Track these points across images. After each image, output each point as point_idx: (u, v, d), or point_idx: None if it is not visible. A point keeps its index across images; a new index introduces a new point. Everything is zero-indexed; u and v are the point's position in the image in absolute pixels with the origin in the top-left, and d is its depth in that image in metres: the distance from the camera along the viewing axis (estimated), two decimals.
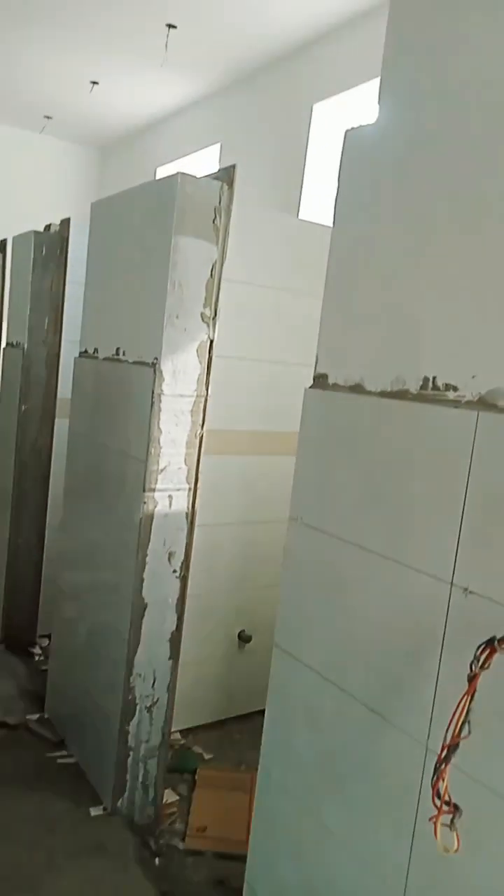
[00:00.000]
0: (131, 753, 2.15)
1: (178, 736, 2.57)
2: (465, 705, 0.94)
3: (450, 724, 0.95)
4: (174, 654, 2.16)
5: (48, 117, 5.89)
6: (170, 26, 3.97)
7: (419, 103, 1.26)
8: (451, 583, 1.12)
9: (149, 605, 2.12)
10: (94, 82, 4.99)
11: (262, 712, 1.56)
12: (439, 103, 1.21)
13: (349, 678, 1.34)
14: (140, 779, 2.19)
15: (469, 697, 0.94)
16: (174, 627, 2.15)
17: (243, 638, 2.71)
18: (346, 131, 1.41)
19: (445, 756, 0.92)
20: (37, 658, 3.25)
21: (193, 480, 2.16)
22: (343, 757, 1.33)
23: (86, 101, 5.34)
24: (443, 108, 1.21)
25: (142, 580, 2.11)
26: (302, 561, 1.49)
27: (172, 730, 2.29)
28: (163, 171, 5.62)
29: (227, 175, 2.10)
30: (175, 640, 2.16)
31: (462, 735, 0.93)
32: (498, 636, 0.94)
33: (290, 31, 3.89)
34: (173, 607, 2.15)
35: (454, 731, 0.94)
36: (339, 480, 1.39)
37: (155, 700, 2.16)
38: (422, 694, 1.16)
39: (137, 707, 2.14)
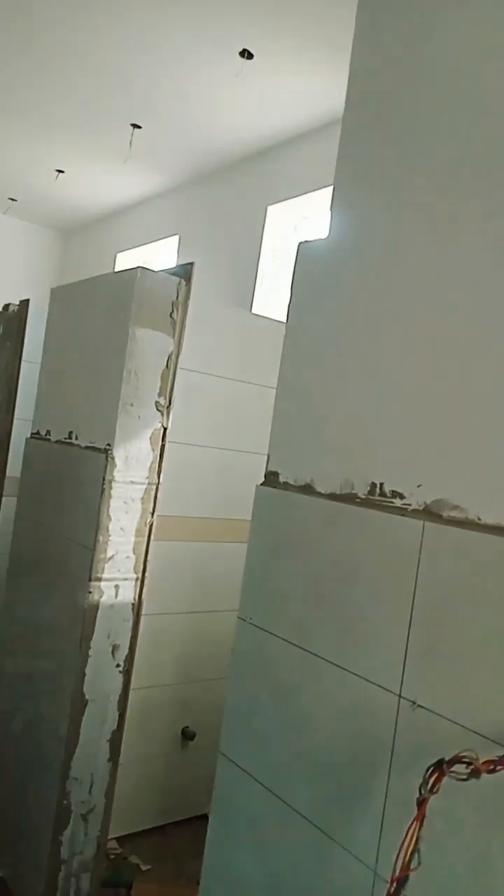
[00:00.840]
0: (63, 867, 1.98)
1: (113, 844, 2.39)
2: (414, 832, 0.90)
3: (398, 853, 0.90)
4: (114, 755, 2.04)
5: (13, 199, 6.02)
6: (134, 126, 4.17)
7: (366, 225, 1.33)
8: (400, 695, 1.09)
9: (90, 702, 2.01)
10: (60, 171, 5.15)
11: (205, 817, 1.47)
12: (385, 226, 1.28)
13: (296, 792, 1.27)
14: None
15: (418, 824, 0.90)
16: (115, 726, 2.04)
17: (187, 735, 2.58)
18: (299, 244, 1.47)
19: (394, 891, 0.87)
20: None
21: (141, 570, 2.11)
22: (291, 881, 1.25)
23: (50, 187, 5.50)
24: (388, 231, 1.27)
25: (83, 675, 2.00)
26: (249, 662, 1.44)
27: (108, 838, 2.13)
28: (122, 258, 5.77)
29: (185, 272, 2.16)
30: (115, 740, 2.04)
31: (412, 867, 0.89)
32: (447, 758, 0.91)
33: (248, 137, 4.13)
34: (115, 704, 2.04)
35: (403, 861, 0.89)
36: (288, 581, 1.37)
37: (91, 807, 2.02)
38: (370, 813, 1.11)
39: (72, 815, 1.99)
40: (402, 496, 1.16)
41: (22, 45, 3.42)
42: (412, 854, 0.89)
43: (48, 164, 4.96)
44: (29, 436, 2.67)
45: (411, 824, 0.90)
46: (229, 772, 1.43)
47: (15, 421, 3.23)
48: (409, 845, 0.89)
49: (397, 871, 0.88)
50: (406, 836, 0.90)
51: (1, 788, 2.35)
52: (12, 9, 3.11)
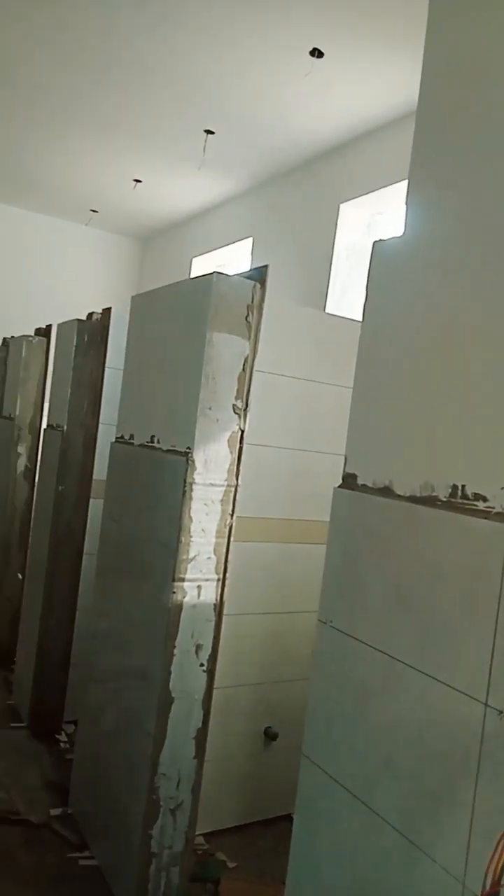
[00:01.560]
0: (154, 860, 2.04)
1: (200, 840, 2.44)
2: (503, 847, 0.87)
3: (489, 866, 0.88)
4: (199, 753, 2.08)
5: (94, 211, 6.23)
6: (208, 132, 4.23)
7: (443, 221, 1.29)
8: (486, 703, 1.06)
9: (175, 700, 2.05)
10: (138, 180, 5.29)
11: (289, 817, 1.48)
12: (463, 222, 1.24)
13: (380, 798, 1.26)
14: (162, 888, 2.06)
15: None
16: (200, 724, 2.08)
17: (269, 735, 2.59)
18: (374, 243, 1.45)
19: None
20: (62, 745, 3.16)
21: (222, 571, 2.14)
22: (376, 888, 1.24)
23: (129, 197, 5.65)
24: (467, 227, 1.23)
25: (169, 673, 2.05)
26: (331, 667, 1.43)
27: (195, 833, 2.18)
28: (198, 262, 5.86)
29: (259, 275, 2.17)
30: (201, 738, 2.08)
31: (503, 882, 0.86)
32: None
33: (319, 136, 4.11)
34: (200, 703, 2.08)
35: (494, 875, 0.87)
36: (369, 584, 1.35)
37: (179, 802, 2.06)
38: (457, 823, 1.08)
39: (161, 809, 2.04)
40: (484, 499, 1.12)
41: (100, 63, 3.53)
42: (503, 870, 0.86)
43: (126, 174, 5.11)
44: (114, 440, 2.76)
45: (501, 838, 0.87)
46: (312, 774, 1.43)
47: (100, 425, 3.35)
48: (499, 859, 0.86)
49: (488, 885, 0.86)
50: (496, 850, 0.87)
51: (96, 780, 2.44)
52: (89, 29, 3.22)
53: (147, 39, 3.29)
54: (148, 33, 3.24)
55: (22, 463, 4.24)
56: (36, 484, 4.10)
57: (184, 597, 2.08)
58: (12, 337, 4.78)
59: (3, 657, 4.14)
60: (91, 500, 3.34)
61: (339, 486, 1.49)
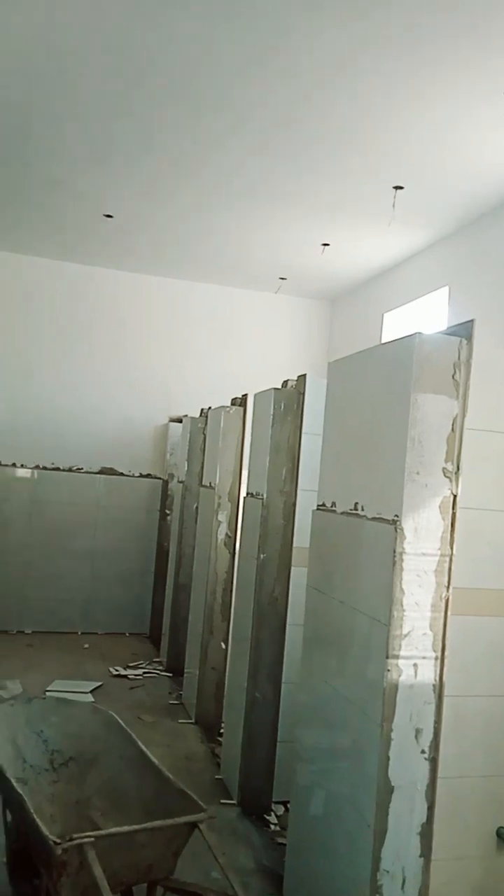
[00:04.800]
0: None
1: None
2: None
3: None
4: (426, 850, 1.98)
5: (283, 279, 6.59)
6: (397, 188, 4.33)
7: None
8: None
9: (395, 789, 1.99)
10: (325, 244, 5.53)
11: None
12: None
13: None
14: None
15: None
16: (424, 818, 1.99)
17: (503, 836, 2.38)
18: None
19: None
20: (272, 827, 3.18)
21: (440, 648, 2.07)
22: None
23: (317, 261, 5.92)
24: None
25: (387, 759, 2.01)
26: None
27: None
28: (390, 317, 5.92)
29: (465, 330, 2.16)
30: (426, 833, 1.98)
31: None
32: None
33: None
34: (423, 794, 2.00)
35: None
36: None
37: None
38: None
39: None
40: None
41: (284, 138, 3.83)
42: None
43: (315, 240, 5.38)
44: (315, 508, 2.84)
45: None
46: None
47: (299, 492, 3.46)
48: None
49: None
50: None
51: (310, 870, 2.42)
52: (277, 107, 3.53)
53: (339, 107, 3.52)
54: (337, 100, 3.46)
55: (222, 531, 4.48)
56: (237, 552, 4.31)
57: (399, 675, 2.04)
58: (210, 408, 5.16)
59: (209, 729, 4.31)
60: (293, 569, 3.43)
61: None
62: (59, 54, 3.27)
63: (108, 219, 5.36)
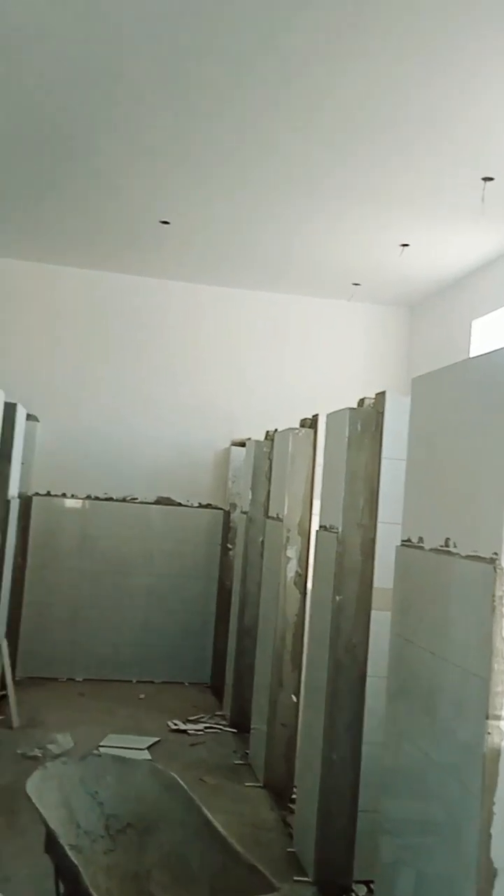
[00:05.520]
0: None
1: None
2: None
3: None
4: None
5: (356, 284, 6.60)
6: (486, 179, 4.29)
7: None
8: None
9: (499, 873, 1.92)
10: (404, 245, 5.52)
11: None
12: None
13: None
14: None
15: None
16: None
17: None
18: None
19: None
20: None
21: None
22: None
23: (394, 263, 5.91)
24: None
25: (489, 836, 1.94)
26: None
27: None
28: (479, 324, 5.82)
29: None
30: None
31: None
32: None
33: None
34: None
35: None
36: None
37: None
38: None
39: None
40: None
41: (358, 133, 3.85)
42: None
43: (392, 240, 5.37)
44: (399, 543, 2.80)
45: None
46: None
47: (379, 525, 3.42)
48: None
49: None
50: None
51: None
52: (348, 105, 3.56)
53: (421, 99, 3.53)
54: (422, 93, 3.47)
55: (292, 568, 4.47)
56: (308, 592, 4.29)
57: (502, 740, 1.98)
58: (276, 430, 5.18)
59: (279, 793, 4.27)
60: (373, 612, 3.38)
61: None
62: (110, 54, 3.40)
63: (165, 225, 5.49)
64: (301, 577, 4.43)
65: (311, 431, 4.55)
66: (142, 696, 6.12)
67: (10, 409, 4.84)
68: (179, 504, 6.82)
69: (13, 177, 4.94)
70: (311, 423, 4.60)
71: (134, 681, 6.48)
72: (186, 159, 4.46)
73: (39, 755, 4.49)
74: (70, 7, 3.06)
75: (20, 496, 5.83)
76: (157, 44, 3.30)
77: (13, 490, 5.23)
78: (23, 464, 5.76)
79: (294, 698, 4.37)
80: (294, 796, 4.08)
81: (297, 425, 4.69)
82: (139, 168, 4.62)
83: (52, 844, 2.41)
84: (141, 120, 4.01)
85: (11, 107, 3.96)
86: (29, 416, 5.97)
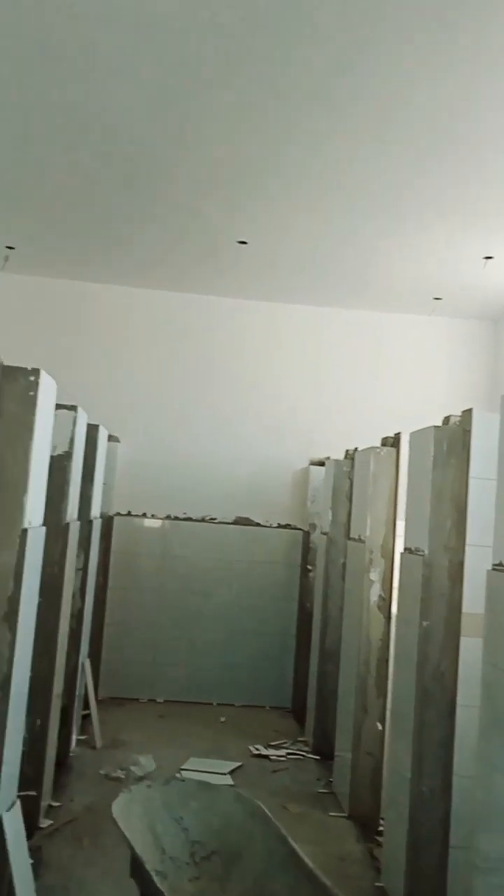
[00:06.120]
0: None
1: None
2: None
3: None
4: None
5: (437, 299, 6.51)
6: None
7: None
8: None
9: None
10: (488, 257, 5.42)
11: None
12: None
13: None
14: None
15: None
16: None
17: None
18: None
19: None
20: None
21: None
22: None
23: (478, 276, 5.81)
24: None
25: None
26: None
27: None
28: None
29: None
30: None
31: None
32: None
33: None
34: None
35: None
36: None
37: None
38: None
39: None
40: None
41: (437, 135, 3.82)
42: None
43: (475, 253, 5.28)
44: (490, 567, 2.72)
45: None
46: None
47: (468, 548, 3.34)
48: None
49: None
50: None
51: None
52: (427, 96, 3.54)
53: (492, 107, 3.47)
54: (492, 104, 3.42)
55: (375, 592, 4.41)
56: (393, 617, 4.22)
57: None
58: (356, 449, 5.14)
59: (365, 825, 4.19)
60: (463, 639, 3.30)
61: None
62: (188, 80, 3.48)
63: (242, 245, 5.56)
64: (385, 601, 4.37)
65: (393, 450, 4.49)
66: (222, 719, 6.13)
67: (93, 429, 4.96)
68: (258, 524, 6.84)
69: (92, 204, 5.11)
70: (393, 442, 4.55)
71: (214, 703, 6.49)
72: (263, 179, 4.51)
73: (122, 777, 4.55)
74: (150, 38, 3.16)
75: (102, 516, 5.95)
76: (233, 69, 3.36)
77: (95, 510, 5.35)
78: (104, 484, 5.88)
79: (380, 726, 4.29)
80: (381, 828, 4.00)
81: (378, 444, 4.64)
82: (216, 190, 4.70)
83: (137, 870, 2.43)
84: (218, 142, 4.09)
85: (94, 136, 4.10)
86: (110, 437, 6.11)
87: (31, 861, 2.98)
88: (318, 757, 5.30)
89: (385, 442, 4.63)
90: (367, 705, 4.34)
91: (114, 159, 4.38)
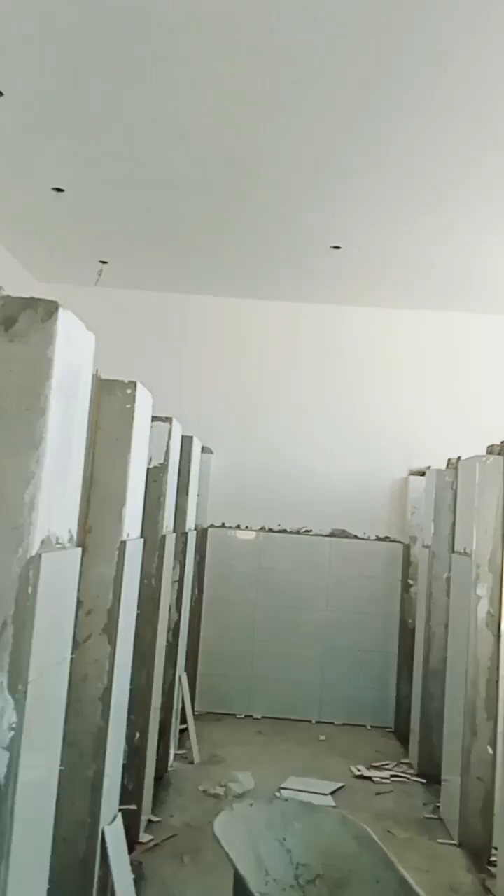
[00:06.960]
0: None
1: None
2: None
3: None
4: None
5: None
6: None
7: None
8: None
9: None
10: None
11: None
12: None
13: None
14: None
15: None
16: None
17: None
18: None
19: None
20: None
21: None
22: None
23: None
24: None
25: None
26: None
27: None
28: None
29: None
30: None
31: None
32: None
33: None
34: None
35: None
36: None
37: None
38: None
39: None
40: None
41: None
42: None
43: None
44: None
45: None
46: None
47: None
48: None
49: None
50: None
51: None
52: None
53: None
54: None
55: (483, 608, 4.26)
56: (503, 635, 4.06)
57: None
58: (459, 458, 5.00)
59: (477, 853, 4.04)
60: None
61: None
62: (282, 90, 3.49)
63: (336, 250, 5.53)
64: (494, 618, 4.21)
65: (500, 458, 4.34)
66: (322, 737, 6.05)
67: (187, 441, 5.02)
68: (355, 537, 6.74)
69: (189, 217, 5.19)
70: (500, 450, 4.40)
71: (313, 721, 6.42)
72: (357, 184, 4.47)
73: (221, 793, 4.56)
74: (241, 51, 3.18)
75: (196, 528, 6.01)
76: (327, 75, 3.34)
77: (190, 522, 5.40)
78: (199, 496, 5.94)
79: (490, 750, 4.13)
80: (494, 858, 3.84)
81: (484, 452, 4.50)
82: (310, 197, 4.69)
83: (241, 890, 2.41)
84: (312, 150, 4.08)
85: (190, 149, 4.16)
86: (204, 449, 6.17)
87: (132, 875, 3.02)
88: (423, 780, 5.15)
89: (491, 450, 4.49)
90: (477, 728, 4.19)
91: (207, 169, 4.44)
